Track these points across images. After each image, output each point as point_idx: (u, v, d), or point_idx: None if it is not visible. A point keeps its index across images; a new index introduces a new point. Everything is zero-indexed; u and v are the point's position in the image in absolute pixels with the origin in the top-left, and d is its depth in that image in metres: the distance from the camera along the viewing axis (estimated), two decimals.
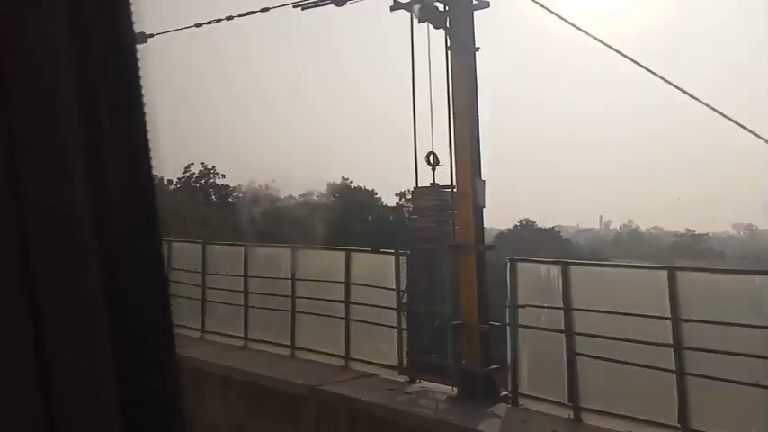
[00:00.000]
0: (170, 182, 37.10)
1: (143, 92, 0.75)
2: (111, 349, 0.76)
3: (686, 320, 6.77)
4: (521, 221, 44.59)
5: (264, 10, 9.57)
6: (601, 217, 54.13)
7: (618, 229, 57.83)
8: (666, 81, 7.23)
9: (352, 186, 43.65)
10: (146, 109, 0.75)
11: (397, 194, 43.47)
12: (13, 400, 0.75)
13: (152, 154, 0.77)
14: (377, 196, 43.48)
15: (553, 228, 44.11)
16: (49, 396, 0.76)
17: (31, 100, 0.73)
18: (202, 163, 38.06)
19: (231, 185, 39.22)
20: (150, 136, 0.76)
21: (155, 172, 0.77)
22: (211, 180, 38.35)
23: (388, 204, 42.76)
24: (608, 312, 7.24)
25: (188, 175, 37.92)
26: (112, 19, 0.74)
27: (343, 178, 43.99)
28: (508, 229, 44.05)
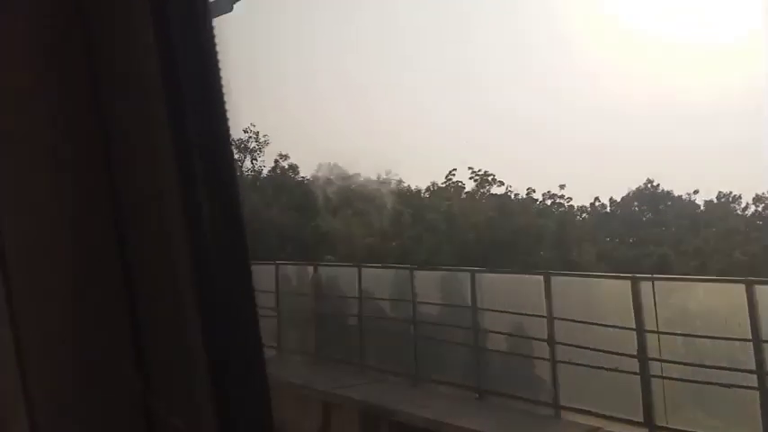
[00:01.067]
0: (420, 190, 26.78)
1: (225, 95, 0.71)
2: (205, 364, 0.72)
3: None
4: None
5: None
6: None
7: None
8: None
9: (661, 191, 30.80)
10: (228, 114, 0.71)
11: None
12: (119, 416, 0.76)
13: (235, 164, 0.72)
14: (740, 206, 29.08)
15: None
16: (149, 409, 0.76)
17: (124, 106, 0.72)
18: (470, 168, 26.86)
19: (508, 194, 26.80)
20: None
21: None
22: (486, 189, 27.26)
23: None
24: None
25: (450, 182, 27.08)
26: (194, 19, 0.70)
27: (648, 180, 31.02)
28: None
